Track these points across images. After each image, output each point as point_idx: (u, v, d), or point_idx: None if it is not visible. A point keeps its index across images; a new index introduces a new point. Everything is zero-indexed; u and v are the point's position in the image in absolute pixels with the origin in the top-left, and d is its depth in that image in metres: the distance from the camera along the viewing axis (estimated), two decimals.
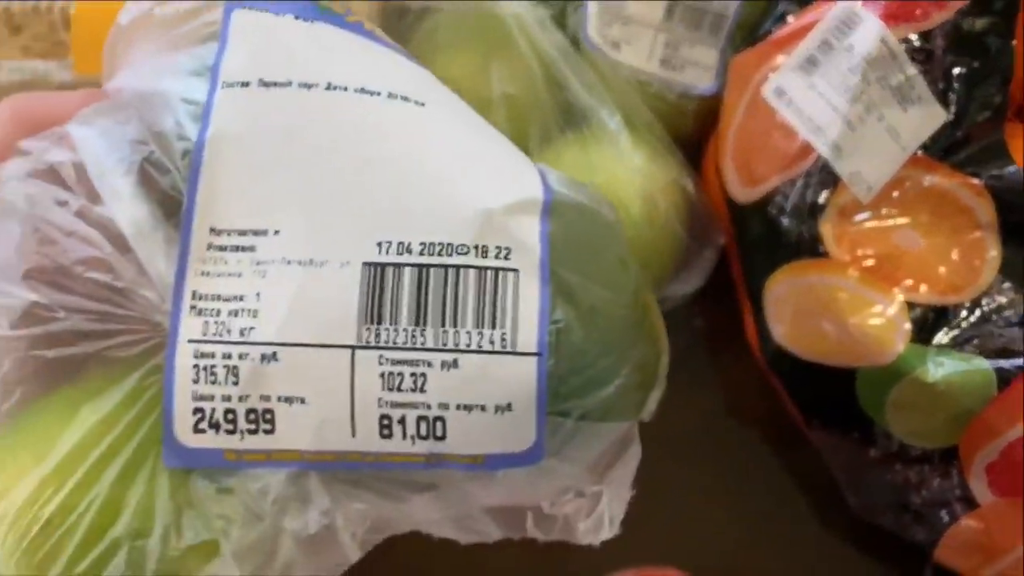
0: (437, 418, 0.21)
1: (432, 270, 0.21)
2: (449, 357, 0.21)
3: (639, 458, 0.23)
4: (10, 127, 0.23)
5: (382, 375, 0.21)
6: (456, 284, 0.21)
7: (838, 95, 0.36)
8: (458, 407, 0.21)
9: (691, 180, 0.42)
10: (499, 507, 0.24)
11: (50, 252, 0.21)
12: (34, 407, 0.22)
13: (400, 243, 0.21)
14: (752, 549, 0.42)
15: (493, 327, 0.21)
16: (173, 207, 0.22)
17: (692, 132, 0.44)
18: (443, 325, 0.21)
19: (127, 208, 0.21)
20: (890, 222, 0.37)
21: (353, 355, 0.21)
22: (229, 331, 0.21)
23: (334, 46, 0.23)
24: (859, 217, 0.37)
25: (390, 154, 0.22)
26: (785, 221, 0.37)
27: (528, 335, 0.21)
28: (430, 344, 0.21)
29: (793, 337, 0.38)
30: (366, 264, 0.21)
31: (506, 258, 0.21)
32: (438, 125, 0.23)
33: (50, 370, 0.22)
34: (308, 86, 0.22)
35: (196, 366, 0.21)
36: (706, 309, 0.45)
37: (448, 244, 0.21)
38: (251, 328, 0.21)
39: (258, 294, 0.21)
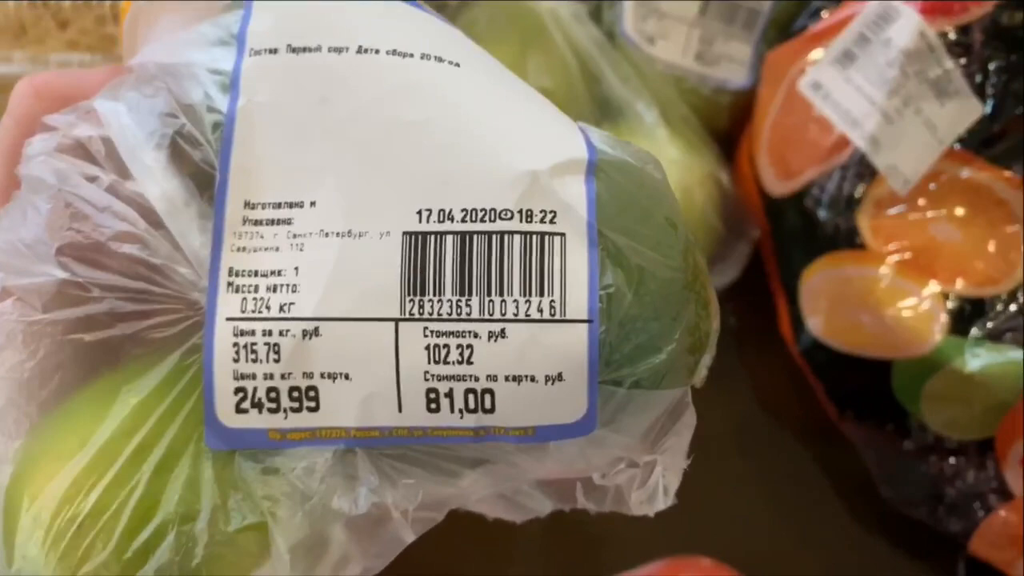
0: (485, 390, 0.20)
1: (475, 237, 0.20)
2: (496, 327, 0.20)
3: (693, 426, 0.22)
4: (33, 102, 0.23)
5: (427, 347, 0.20)
6: (501, 251, 0.20)
7: (875, 88, 0.37)
8: (507, 378, 0.20)
9: (725, 173, 0.42)
10: (549, 480, 0.24)
11: (83, 228, 0.21)
12: (74, 396, 0.22)
13: (441, 210, 0.20)
14: (784, 540, 0.42)
15: (541, 294, 0.20)
16: (206, 182, 0.21)
17: (726, 126, 0.44)
18: (489, 294, 0.20)
19: (159, 183, 0.21)
20: (927, 214, 0.37)
21: (397, 328, 0.20)
22: (268, 307, 0.20)
23: (363, 7, 0.22)
24: (896, 209, 0.37)
25: (426, 117, 0.21)
26: (822, 213, 0.38)
27: (578, 301, 0.20)
28: (476, 314, 0.20)
29: (829, 328, 0.38)
30: (406, 233, 0.20)
31: (552, 222, 0.20)
32: (475, 85, 0.22)
33: (88, 354, 0.21)
34: (338, 50, 0.21)
35: (236, 344, 0.20)
36: (737, 302, 0.45)
37: (491, 209, 0.20)
38: (291, 303, 0.20)
39: (297, 268, 0.20)
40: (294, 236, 0.20)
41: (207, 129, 0.21)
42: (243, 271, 0.20)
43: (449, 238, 0.20)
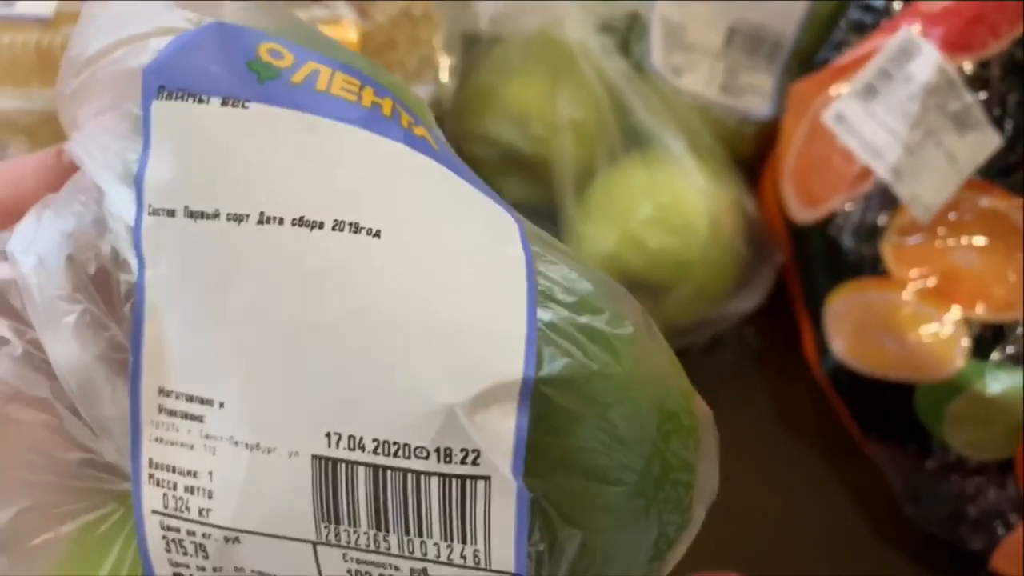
0: None
1: (389, 473, 0.18)
2: (418, 565, 0.18)
3: None
4: None
5: (349, 571, 0.19)
6: (417, 491, 0.18)
7: (897, 122, 0.38)
8: None
9: (750, 200, 0.43)
10: None
11: None
12: None
13: (351, 437, 0.18)
14: (809, 557, 0.43)
15: (463, 542, 0.18)
16: (123, 354, 0.19)
17: (750, 155, 0.46)
18: (407, 533, 0.18)
19: (72, 368, 0.19)
20: (948, 242, 0.38)
21: (315, 550, 0.19)
22: (188, 508, 0.19)
23: (269, 145, 0.19)
24: (918, 237, 0.38)
25: (334, 320, 0.18)
26: (846, 240, 0.39)
27: (504, 555, 0.18)
28: (395, 551, 0.18)
29: (853, 352, 0.40)
30: (316, 457, 0.18)
31: (474, 463, 0.18)
32: (394, 266, 0.18)
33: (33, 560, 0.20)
34: (238, 219, 0.19)
35: (165, 537, 0.19)
36: (761, 325, 0.47)
37: (405, 445, 0.18)
38: (209, 509, 0.19)
39: (211, 473, 0.19)
40: (207, 437, 0.19)
41: (120, 298, 0.19)
42: (162, 464, 0.19)
43: (361, 469, 0.18)
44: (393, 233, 0.19)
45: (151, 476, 0.19)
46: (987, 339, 0.37)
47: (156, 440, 0.19)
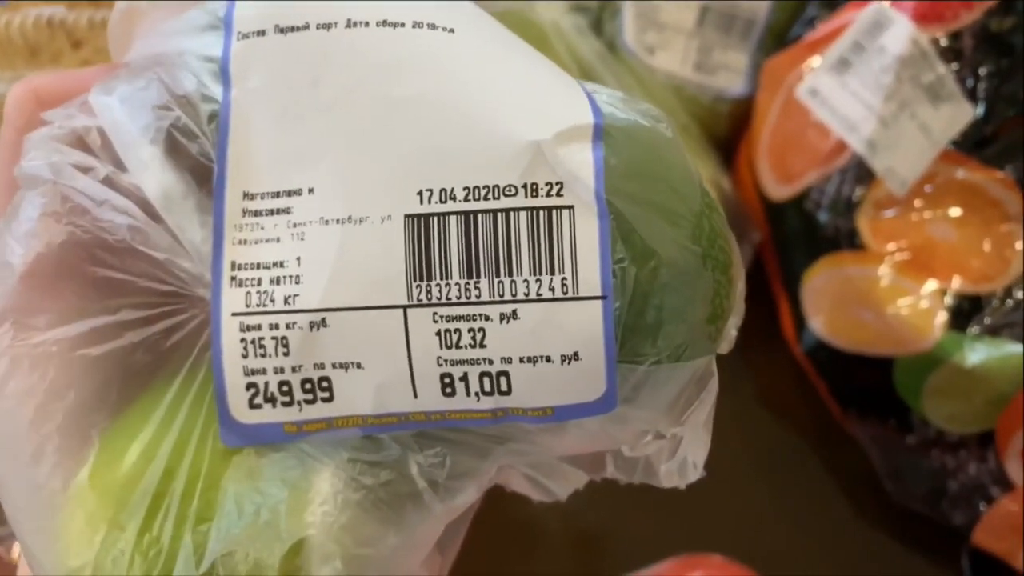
0: (500, 373, 0.19)
1: (480, 216, 0.19)
2: (508, 308, 0.19)
3: (715, 393, 0.21)
4: (35, 106, 0.22)
5: (438, 333, 0.19)
6: (507, 229, 0.19)
7: (871, 94, 0.38)
8: (522, 360, 0.19)
9: (726, 179, 0.43)
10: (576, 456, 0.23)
11: (81, 222, 0.20)
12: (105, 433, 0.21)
13: (443, 190, 0.19)
14: (791, 536, 0.43)
15: (552, 272, 0.19)
16: (204, 174, 0.20)
17: (724, 133, 0.45)
18: (498, 275, 0.19)
19: (155, 177, 0.20)
20: (924, 215, 0.38)
21: (405, 315, 0.19)
22: (273, 300, 0.20)
23: None
24: (894, 211, 0.38)
25: (421, 91, 0.20)
26: (822, 215, 0.39)
27: (590, 277, 0.19)
28: (485, 297, 0.19)
29: (832, 328, 0.40)
30: (408, 216, 0.19)
31: (559, 194, 0.19)
32: (470, 52, 0.20)
33: (99, 369, 0.21)
34: (327, 26, 0.20)
35: (244, 340, 0.20)
36: None
37: (494, 186, 0.19)
38: (295, 295, 0.19)
39: (299, 258, 0.20)
40: (294, 225, 0.20)
41: (203, 120, 0.20)
42: (245, 264, 0.20)
43: (453, 219, 0.19)
44: (465, 32, 0.21)
45: (232, 278, 0.20)
46: (965, 311, 0.37)
47: (239, 243, 0.20)
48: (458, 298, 0.19)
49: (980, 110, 0.38)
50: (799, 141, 0.40)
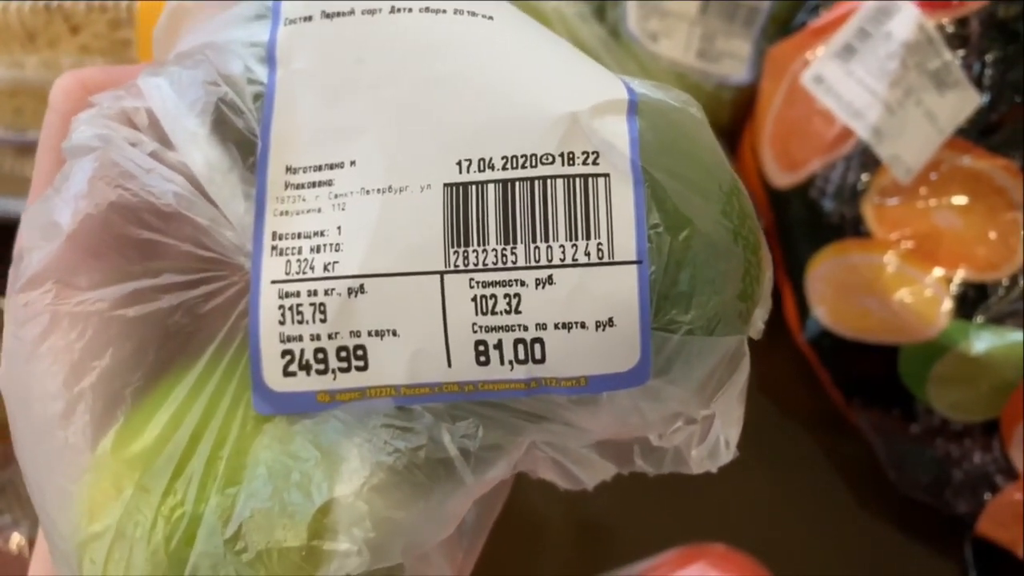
0: (535, 340, 0.20)
1: (517, 184, 0.20)
2: (543, 274, 0.19)
3: (747, 373, 0.21)
4: (82, 96, 0.23)
5: (474, 299, 0.20)
6: (544, 196, 0.20)
7: (877, 80, 0.38)
8: (556, 326, 0.20)
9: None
10: (605, 442, 0.23)
11: (131, 186, 0.21)
12: (137, 402, 0.21)
13: (481, 159, 0.20)
14: (794, 525, 0.43)
15: (588, 237, 0.19)
16: (247, 149, 0.21)
17: (728, 121, 0.45)
18: (534, 240, 0.20)
19: (201, 150, 0.21)
20: (929, 203, 0.38)
21: (442, 280, 0.20)
22: (312, 267, 0.20)
23: None
24: (899, 198, 0.38)
25: (462, 69, 0.21)
26: (827, 203, 0.39)
27: (626, 242, 0.19)
28: (521, 262, 0.20)
29: (835, 316, 0.39)
30: (447, 185, 0.20)
31: (595, 163, 0.20)
32: (509, 37, 0.21)
33: (136, 329, 0.21)
34: (371, 12, 0.21)
35: (282, 306, 0.20)
36: None
37: (532, 155, 0.20)
38: (335, 262, 0.20)
39: (339, 227, 0.20)
40: (335, 196, 0.21)
41: (248, 99, 0.21)
42: (286, 234, 0.21)
43: (491, 186, 0.20)
44: (503, 20, 0.22)
45: (273, 248, 0.21)
46: (970, 299, 0.37)
47: (281, 214, 0.21)
48: (495, 264, 0.20)
49: (986, 97, 0.38)
50: (803, 128, 0.40)
